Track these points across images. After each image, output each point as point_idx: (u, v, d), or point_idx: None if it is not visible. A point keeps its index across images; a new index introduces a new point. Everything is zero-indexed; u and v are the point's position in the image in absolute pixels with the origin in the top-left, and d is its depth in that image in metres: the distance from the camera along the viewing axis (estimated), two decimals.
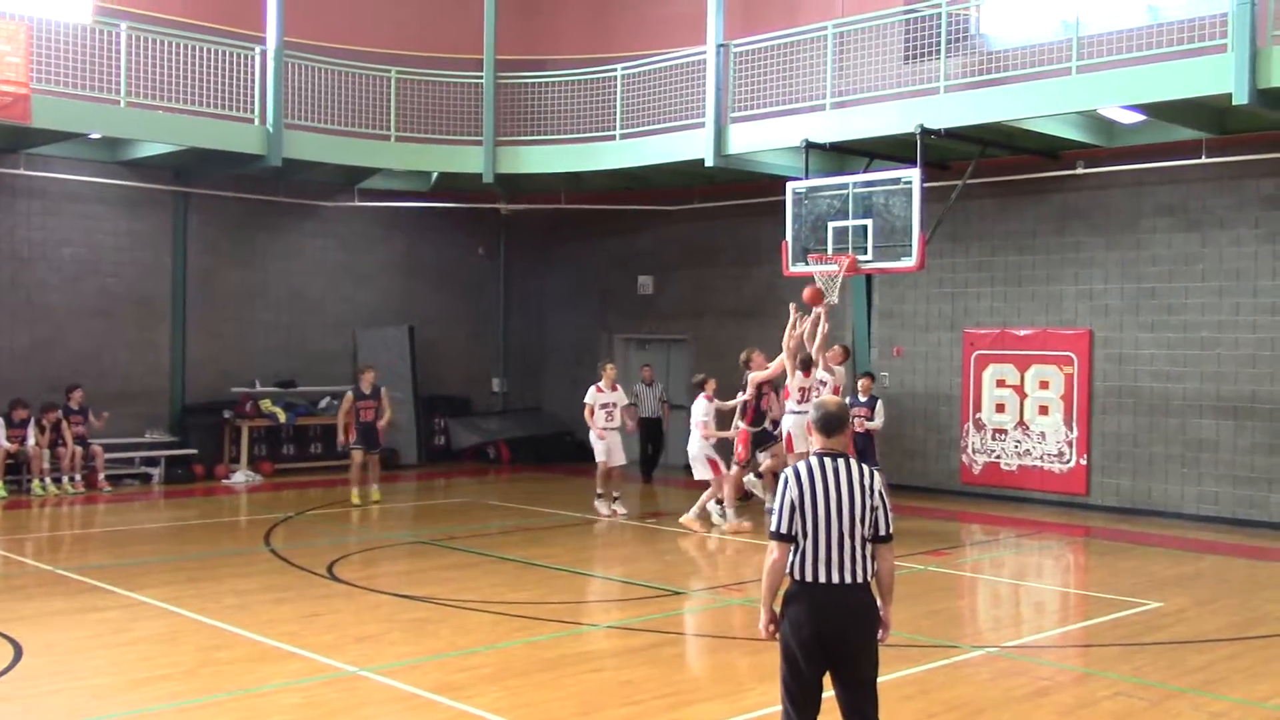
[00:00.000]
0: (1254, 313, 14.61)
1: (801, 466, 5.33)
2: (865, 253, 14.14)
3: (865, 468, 5.39)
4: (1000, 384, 16.72)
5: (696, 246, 20.49)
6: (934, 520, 14.99)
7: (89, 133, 16.24)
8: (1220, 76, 12.18)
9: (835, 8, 16.78)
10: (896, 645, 9.18)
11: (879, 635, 5.36)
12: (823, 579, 5.20)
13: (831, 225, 14.42)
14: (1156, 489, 15.35)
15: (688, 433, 14.63)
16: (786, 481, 5.33)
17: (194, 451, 18.46)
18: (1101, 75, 13.28)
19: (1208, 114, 13.73)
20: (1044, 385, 16.31)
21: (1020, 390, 16.53)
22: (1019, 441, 16.54)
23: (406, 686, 7.59)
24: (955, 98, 14.45)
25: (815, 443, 5.46)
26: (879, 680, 5.42)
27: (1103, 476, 15.82)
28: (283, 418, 19.09)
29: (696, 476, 14.41)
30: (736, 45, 16.46)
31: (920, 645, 8.96)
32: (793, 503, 5.26)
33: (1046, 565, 13.01)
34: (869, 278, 17.41)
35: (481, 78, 18.52)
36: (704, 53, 16.61)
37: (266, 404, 19.03)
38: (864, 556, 5.25)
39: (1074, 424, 16.00)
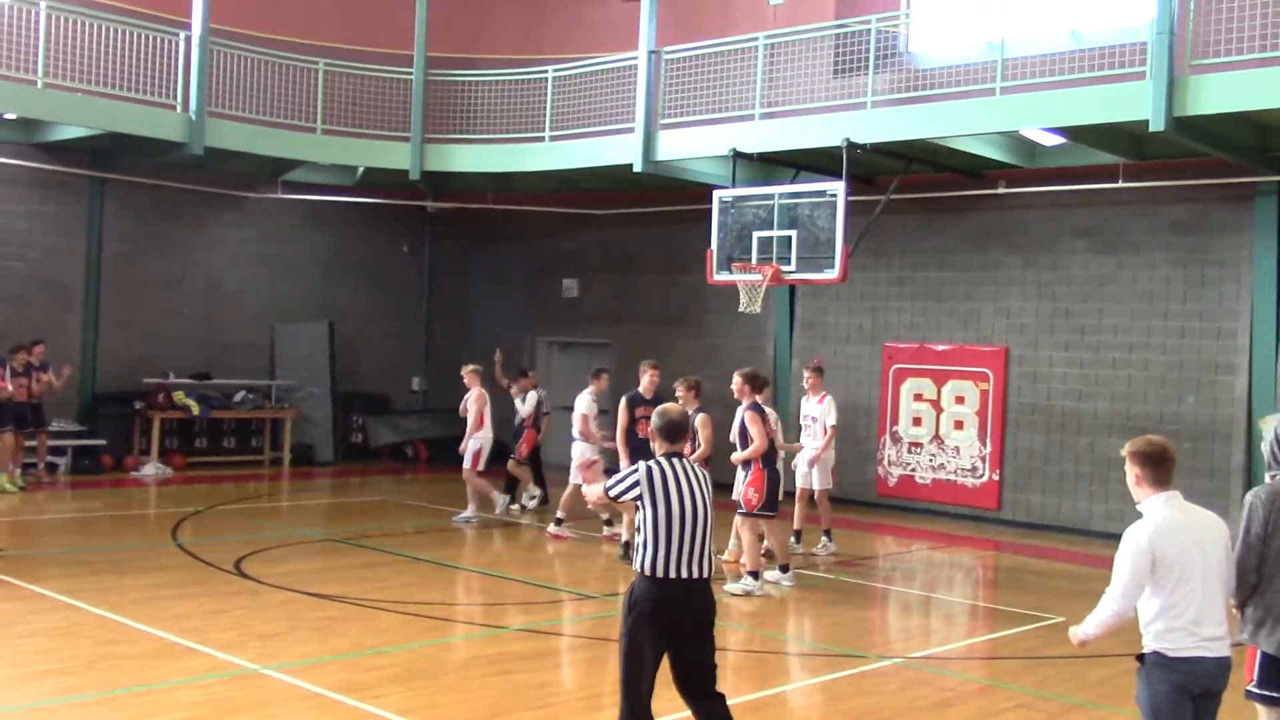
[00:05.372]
0: (1164, 335, 14.94)
1: (654, 466, 5.71)
2: (789, 263, 14.22)
3: (700, 468, 5.87)
4: (917, 398, 16.92)
5: (622, 252, 20.49)
6: (848, 531, 15.08)
7: (3, 113, 15.84)
8: (1138, 103, 12.43)
9: (767, 19, 16.87)
10: (803, 654, 9.26)
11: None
12: (673, 574, 5.60)
13: (756, 235, 14.49)
14: (1065, 505, 15.62)
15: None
16: (637, 470, 5.71)
17: (103, 442, 18.05)
18: (1024, 97, 13.50)
19: (1126, 139, 14.02)
20: (960, 400, 16.54)
21: (937, 405, 16.74)
22: (934, 455, 16.75)
23: (309, 686, 7.48)
24: (882, 113, 14.60)
25: (659, 448, 5.86)
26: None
27: (1014, 492, 16.07)
28: (196, 410, 18.73)
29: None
30: (668, 52, 16.49)
31: (828, 655, 9.03)
32: (637, 484, 5.67)
33: (956, 578, 13.18)
34: (792, 289, 17.54)
35: (411, 73, 18.37)
36: (635, 58, 16.62)
37: (180, 396, 18.68)
38: (710, 551, 5.74)
39: (988, 439, 16.24)
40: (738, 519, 11.27)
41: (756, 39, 15.70)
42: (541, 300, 21.65)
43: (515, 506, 15.72)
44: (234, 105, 17.28)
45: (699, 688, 5.73)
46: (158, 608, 9.38)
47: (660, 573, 5.60)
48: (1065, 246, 15.80)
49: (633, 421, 12.42)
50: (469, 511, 14.64)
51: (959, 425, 16.53)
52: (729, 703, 5.79)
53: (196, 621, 9.00)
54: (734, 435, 11.44)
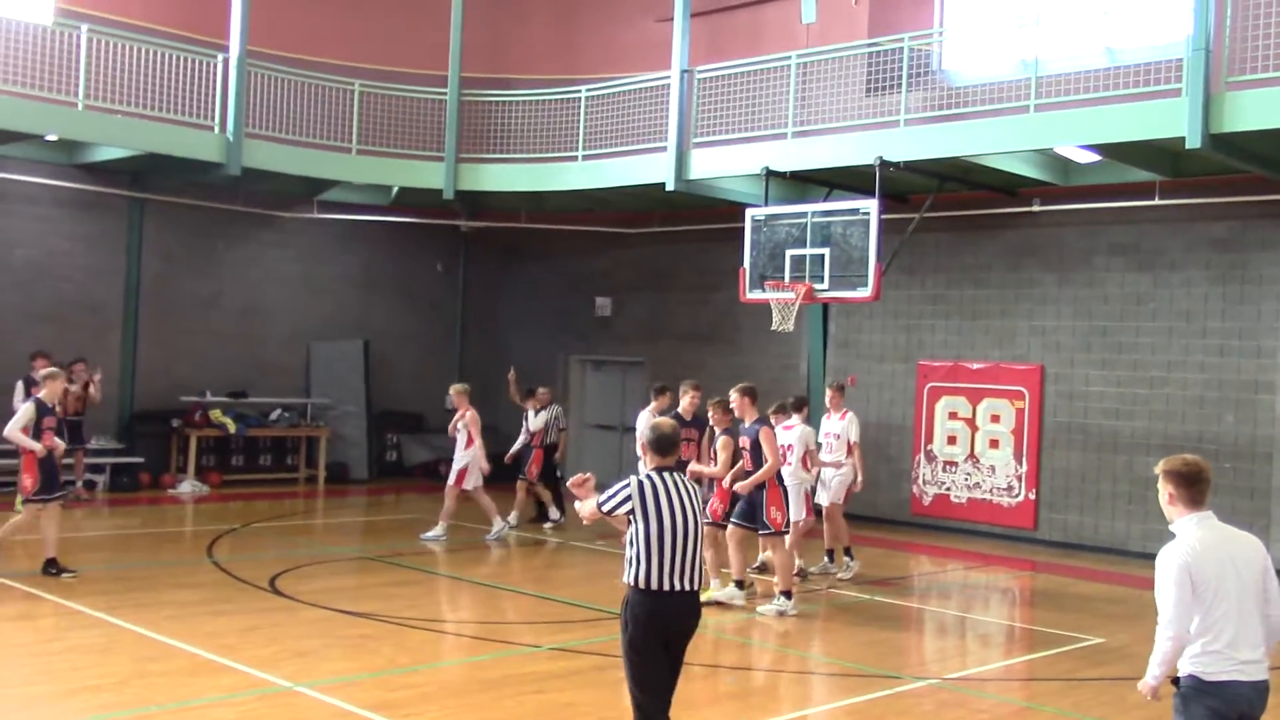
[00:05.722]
0: (1203, 354, 14.78)
1: (645, 480, 5.85)
2: (822, 281, 14.19)
3: (690, 482, 6.02)
4: (952, 416, 16.81)
5: (655, 270, 20.51)
6: (883, 550, 15.01)
7: (45, 134, 16.05)
8: (1174, 120, 12.33)
9: (799, 38, 16.88)
10: (836, 674, 9.20)
11: None
12: (666, 587, 5.76)
13: (789, 253, 14.47)
14: (1103, 525, 15.47)
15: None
16: (629, 485, 5.83)
17: (140, 460, 18.22)
18: (1059, 114, 13.43)
19: (1162, 156, 13.91)
20: (995, 419, 16.42)
21: (972, 423, 16.63)
22: (969, 474, 16.63)
23: (343, 703, 7.49)
24: (915, 131, 14.56)
25: (650, 462, 6.01)
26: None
27: (1050, 512, 15.93)
28: (232, 428, 18.89)
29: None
30: (700, 71, 16.52)
31: (862, 675, 8.97)
32: (629, 498, 5.79)
33: (992, 598, 13.06)
34: (825, 307, 17.47)
35: (445, 94, 18.48)
36: (668, 77, 16.66)
37: (216, 414, 18.83)
38: (699, 563, 5.93)
39: (1024, 458, 16.11)
40: (764, 539, 11.04)
41: (789, 58, 15.71)
42: (574, 319, 21.69)
43: (547, 525, 15.80)
44: (270, 126, 17.44)
45: (673, 678, 5.96)
46: (192, 625, 9.43)
47: (655, 585, 5.76)
48: (1101, 264, 15.68)
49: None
50: (497, 526, 14.67)
51: (994, 444, 16.41)
52: None
53: (231, 639, 9.04)
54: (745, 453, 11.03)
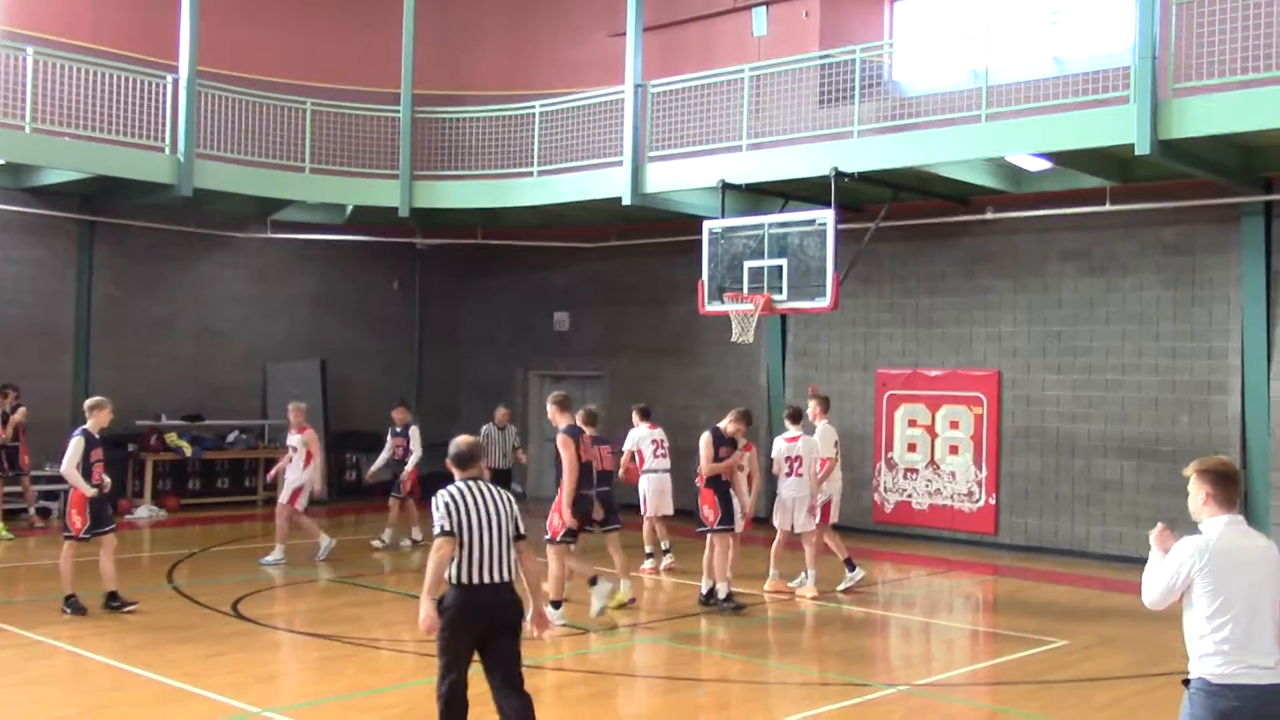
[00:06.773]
0: (1156, 356, 14.99)
1: (453, 489, 6.35)
2: (780, 292, 14.24)
3: (499, 488, 6.51)
4: (912, 424, 16.93)
5: (613, 284, 20.53)
6: None
7: None
8: (1123, 127, 12.52)
9: (752, 51, 16.98)
10: (805, 683, 9.22)
11: (532, 631, 6.62)
12: (477, 580, 6.23)
13: (747, 265, 14.52)
14: (1063, 528, 15.62)
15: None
16: (442, 497, 6.31)
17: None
18: (1010, 123, 13.58)
19: (1112, 163, 14.10)
20: (954, 425, 16.55)
21: (931, 430, 16.75)
22: (930, 481, 16.75)
23: None
24: (868, 142, 14.67)
25: (457, 474, 6.48)
26: None
27: (1011, 516, 16.07)
28: (189, 452, 18.69)
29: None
30: (654, 86, 16.57)
31: (831, 684, 9.00)
32: (449, 507, 6.27)
33: (956, 603, 13.15)
34: (784, 317, 17.56)
35: (399, 111, 18.42)
36: (622, 92, 16.70)
37: (172, 438, 18.62)
38: (511, 559, 6.38)
39: (983, 464, 16.25)
40: (548, 548, 10.74)
41: (742, 71, 15.79)
42: (533, 334, 21.66)
43: (376, 543, 15.64)
44: (222, 146, 17.30)
45: (508, 682, 6.31)
46: (157, 652, 9.31)
47: (466, 579, 6.22)
48: (1055, 270, 15.87)
49: (716, 459, 11.86)
50: (277, 554, 14.05)
51: (954, 450, 16.54)
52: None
53: (196, 665, 8.93)
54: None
